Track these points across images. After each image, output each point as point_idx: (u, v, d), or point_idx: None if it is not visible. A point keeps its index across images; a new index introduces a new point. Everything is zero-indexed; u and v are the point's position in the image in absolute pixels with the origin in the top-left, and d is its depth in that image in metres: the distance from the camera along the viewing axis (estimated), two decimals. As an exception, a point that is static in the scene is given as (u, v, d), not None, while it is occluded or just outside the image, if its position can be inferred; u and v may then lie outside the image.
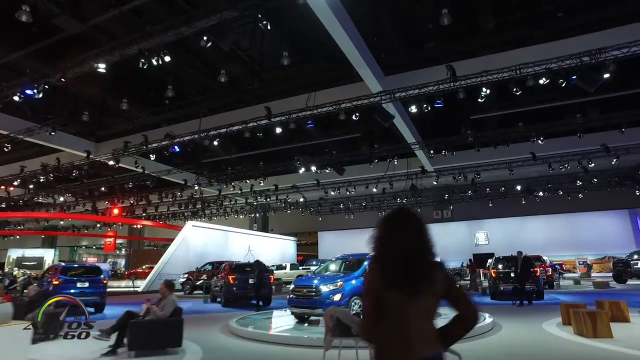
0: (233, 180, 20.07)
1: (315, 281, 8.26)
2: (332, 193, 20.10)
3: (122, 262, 39.35)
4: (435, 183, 19.36)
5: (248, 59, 11.88)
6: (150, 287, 17.12)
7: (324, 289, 7.78)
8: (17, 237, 37.51)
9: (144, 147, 14.21)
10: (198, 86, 13.32)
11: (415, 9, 10.00)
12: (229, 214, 27.23)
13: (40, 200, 22.53)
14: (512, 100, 12.22)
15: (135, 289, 18.81)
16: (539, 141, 14.05)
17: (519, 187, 20.82)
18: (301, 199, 22.03)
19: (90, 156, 15.32)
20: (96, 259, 40.77)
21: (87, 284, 10.86)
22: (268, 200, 22.36)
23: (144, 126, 15.15)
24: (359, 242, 8.70)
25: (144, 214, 26.19)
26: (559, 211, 24.57)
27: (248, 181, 20.86)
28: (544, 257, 17.61)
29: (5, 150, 14.53)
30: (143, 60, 8.89)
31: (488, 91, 10.02)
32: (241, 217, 28.10)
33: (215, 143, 13.56)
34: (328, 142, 17.10)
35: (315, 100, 11.83)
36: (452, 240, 26.94)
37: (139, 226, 31.52)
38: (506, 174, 17.86)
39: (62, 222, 32.86)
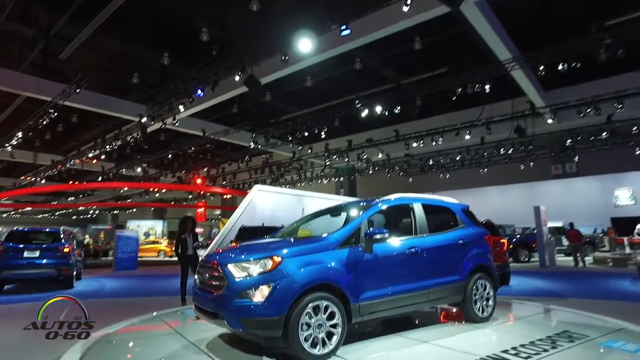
0: (303, 141, 18.23)
1: (225, 255, 4.06)
2: (415, 145, 16.76)
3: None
4: (550, 121, 14.70)
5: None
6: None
7: (234, 272, 3.65)
8: (134, 209, 41.47)
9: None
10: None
11: None
12: (310, 179, 25.63)
13: (123, 173, 23.47)
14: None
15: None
16: None
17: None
18: (380, 155, 19.06)
19: (149, 121, 14.49)
20: (202, 230, 43.45)
21: (37, 254, 9.33)
22: (347, 159, 19.89)
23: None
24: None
25: (224, 183, 26.04)
26: None
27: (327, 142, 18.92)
28: None
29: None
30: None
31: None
32: (325, 182, 26.34)
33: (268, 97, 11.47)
34: (409, 83, 14.00)
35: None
36: (580, 202, 21.57)
37: (228, 196, 31.85)
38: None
39: (156, 195, 34.75)
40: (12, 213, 40.93)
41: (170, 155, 20.03)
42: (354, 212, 4.73)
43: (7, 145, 16.18)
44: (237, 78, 10.80)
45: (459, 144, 17.93)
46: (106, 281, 12.77)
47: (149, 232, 36.16)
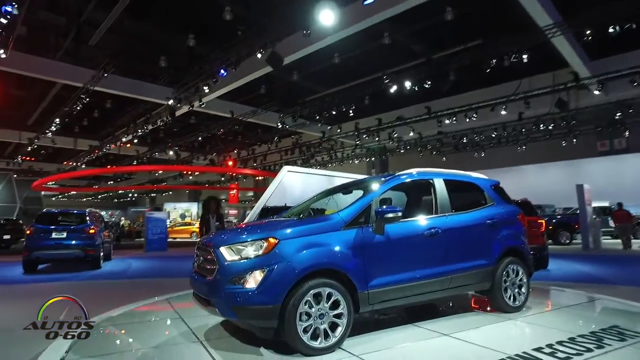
0: (332, 120, 17.94)
1: (219, 236, 3.83)
2: (447, 122, 16.07)
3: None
4: (597, 93, 13.61)
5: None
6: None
7: (226, 255, 3.37)
8: (170, 192, 42.85)
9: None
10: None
11: None
12: (341, 160, 25.37)
13: (157, 156, 24.08)
14: None
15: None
16: None
17: None
18: (411, 134, 18.47)
19: (175, 104, 14.63)
20: (236, 211, 44.36)
21: (64, 235, 9.58)
22: (377, 138, 19.44)
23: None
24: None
25: (254, 164, 26.25)
26: None
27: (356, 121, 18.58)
28: None
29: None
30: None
31: None
32: (356, 162, 26.01)
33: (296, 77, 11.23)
34: (441, 58, 13.32)
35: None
36: (630, 180, 20.14)
37: (260, 178, 32.17)
38: None
39: (190, 177, 35.54)
40: (59, 196, 43.21)
41: (200, 138, 20.30)
42: (366, 188, 4.22)
43: (47, 131, 16.85)
44: (259, 56, 10.58)
45: (494, 121, 17.05)
46: (134, 262, 13.12)
47: (184, 214, 37.26)
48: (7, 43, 9.15)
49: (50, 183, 29.33)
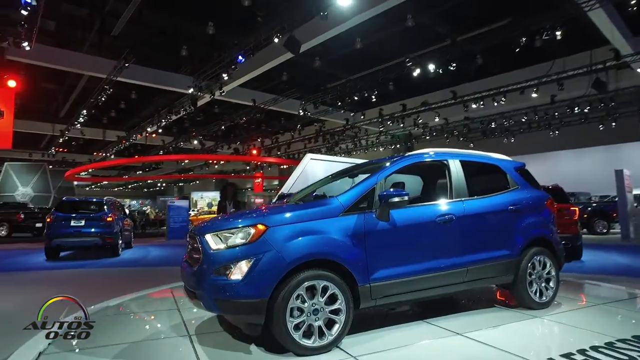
0: (356, 107, 17.62)
1: (209, 223, 3.51)
2: (474, 106, 15.45)
3: (280, 201, 42.15)
4: None
5: None
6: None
7: (211, 243, 3.09)
8: (197, 182, 43.66)
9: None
10: None
11: None
12: (366, 147, 25.02)
13: (182, 146, 24.42)
14: None
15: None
16: None
17: None
18: (436, 119, 17.89)
19: (195, 92, 14.68)
20: (261, 200, 44.84)
21: (82, 222, 9.67)
22: (402, 125, 18.99)
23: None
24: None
25: (278, 153, 26.27)
26: None
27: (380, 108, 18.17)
28: None
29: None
30: None
31: None
32: (381, 149, 25.63)
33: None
34: (467, 39, 12.74)
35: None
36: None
37: (285, 166, 32.23)
38: None
39: (215, 167, 36.00)
40: (93, 186, 44.78)
41: (224, 127, 20.41)
42: (372, 171, 3.74)
43: (76, 123, 17.31)
44: (276, 40, 10.40)
45: (524, 105, 16.28)
46: (154, 249, 13.31)
47: (212, 202, 37.92)
48: (31, 36, 9.28)
49: (84, 173, 30.35)
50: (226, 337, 3.47)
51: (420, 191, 4.64)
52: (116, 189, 50.62)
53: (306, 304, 2.97)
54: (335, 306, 3.06)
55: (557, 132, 19.06)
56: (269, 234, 2.98)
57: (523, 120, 17.95)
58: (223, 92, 14.14)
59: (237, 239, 3.02)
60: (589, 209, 16.15)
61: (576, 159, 22.04)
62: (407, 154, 4.06)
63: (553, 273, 4.25)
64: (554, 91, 13.99)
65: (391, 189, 3.37)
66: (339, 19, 10.12)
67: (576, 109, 15.73)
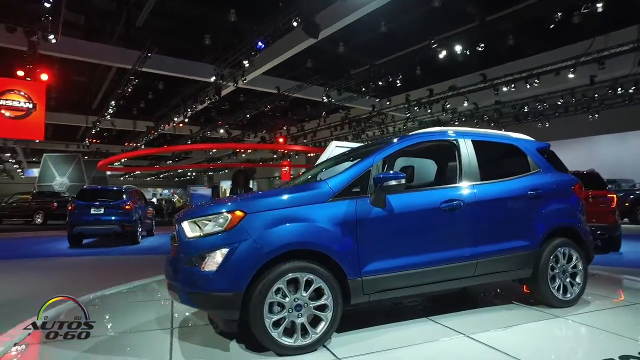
0: (382, 93, 17.22)
1: (190, 210, 3.41)
2: (505, 89, 14.74)
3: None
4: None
5: None
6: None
7: (187, 230, 2.87)
8: (226, 170, 44.31)
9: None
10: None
11: None
12: (393, 134, 24.57)
13: (209, 135, 24.74)
14: None
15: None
16: None
17: None
18: (465, 104, 17.21)
19: (218, 80, 14.71)
20: (289, 188, 45.32)
21: (102, 211, 9.85)
22: (429, 110, 18.46)
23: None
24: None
25: (305, 141, 26.19)
26: None
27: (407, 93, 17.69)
28: None
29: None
30: None
31: None
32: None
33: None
34: (497, 19, 12.09)
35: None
36: None
37: (312, 154, 32.17)
38: None
39: (243, 155, 36.31)
40: (126, 176, 46.29)
41: (249, 116, 20.48)
42: (371, 152, 3.35)
43: (106, 114, 17.79)
44: (294, 24, 10.22)
45: (560, 87, 15.40)
46: None
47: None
48: (57, 28, 9.47)
49: (117, 163, 31.34)
50: (208, 333, 3.30)
51: (434, 176, 4.28)
52: (149, 179, 52.14)
53: (287, 298, 2.71)
54: (322, 302, 2.79)
55: (596, 115, 17.99)
56: (247, 221, 2.73)
57: (559, 103, 16.97)
58: (245, 79, 14.09)
59: (214, 226, 2.78)
60: (632, 196, 15.19)
61: (619, 143, 20.75)
62: (410, 134, 3.69)
63: (580, 267, 3.82)
64: (593, 71, 13.11)
65: (390, 172, 3.08)
66: (359, 2, 9.80)
67: (619, 90, 14.73)
